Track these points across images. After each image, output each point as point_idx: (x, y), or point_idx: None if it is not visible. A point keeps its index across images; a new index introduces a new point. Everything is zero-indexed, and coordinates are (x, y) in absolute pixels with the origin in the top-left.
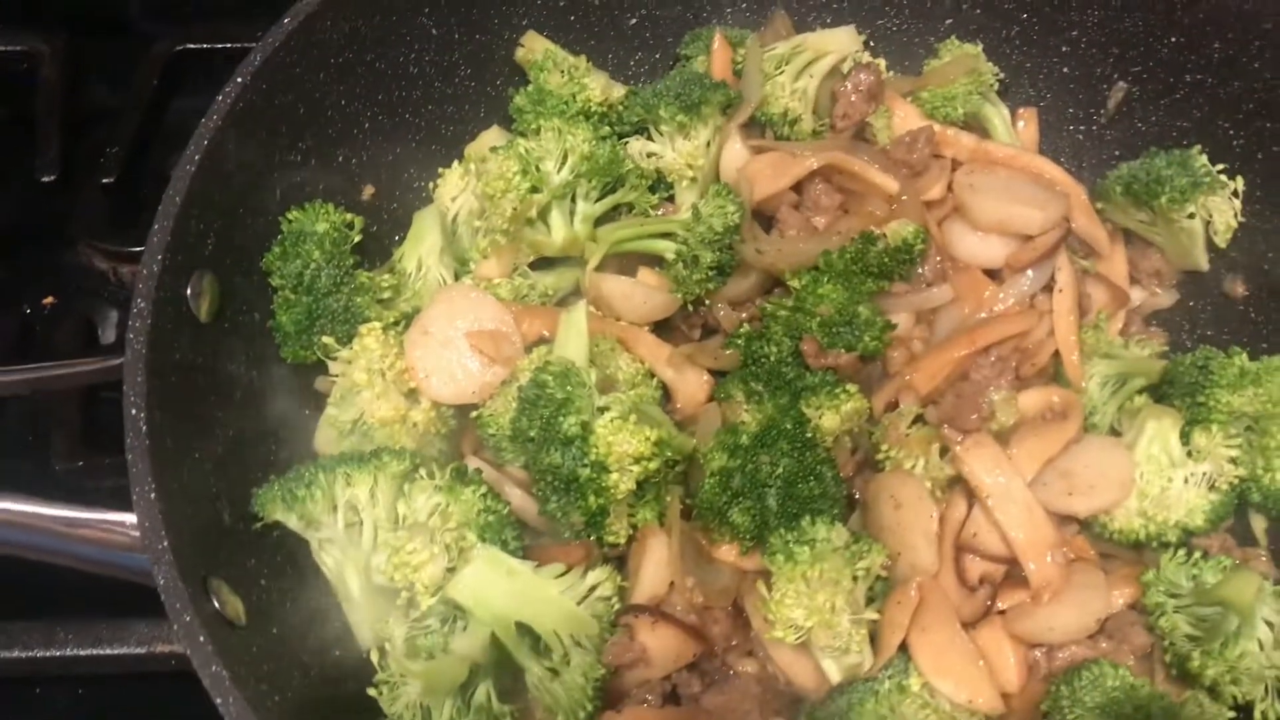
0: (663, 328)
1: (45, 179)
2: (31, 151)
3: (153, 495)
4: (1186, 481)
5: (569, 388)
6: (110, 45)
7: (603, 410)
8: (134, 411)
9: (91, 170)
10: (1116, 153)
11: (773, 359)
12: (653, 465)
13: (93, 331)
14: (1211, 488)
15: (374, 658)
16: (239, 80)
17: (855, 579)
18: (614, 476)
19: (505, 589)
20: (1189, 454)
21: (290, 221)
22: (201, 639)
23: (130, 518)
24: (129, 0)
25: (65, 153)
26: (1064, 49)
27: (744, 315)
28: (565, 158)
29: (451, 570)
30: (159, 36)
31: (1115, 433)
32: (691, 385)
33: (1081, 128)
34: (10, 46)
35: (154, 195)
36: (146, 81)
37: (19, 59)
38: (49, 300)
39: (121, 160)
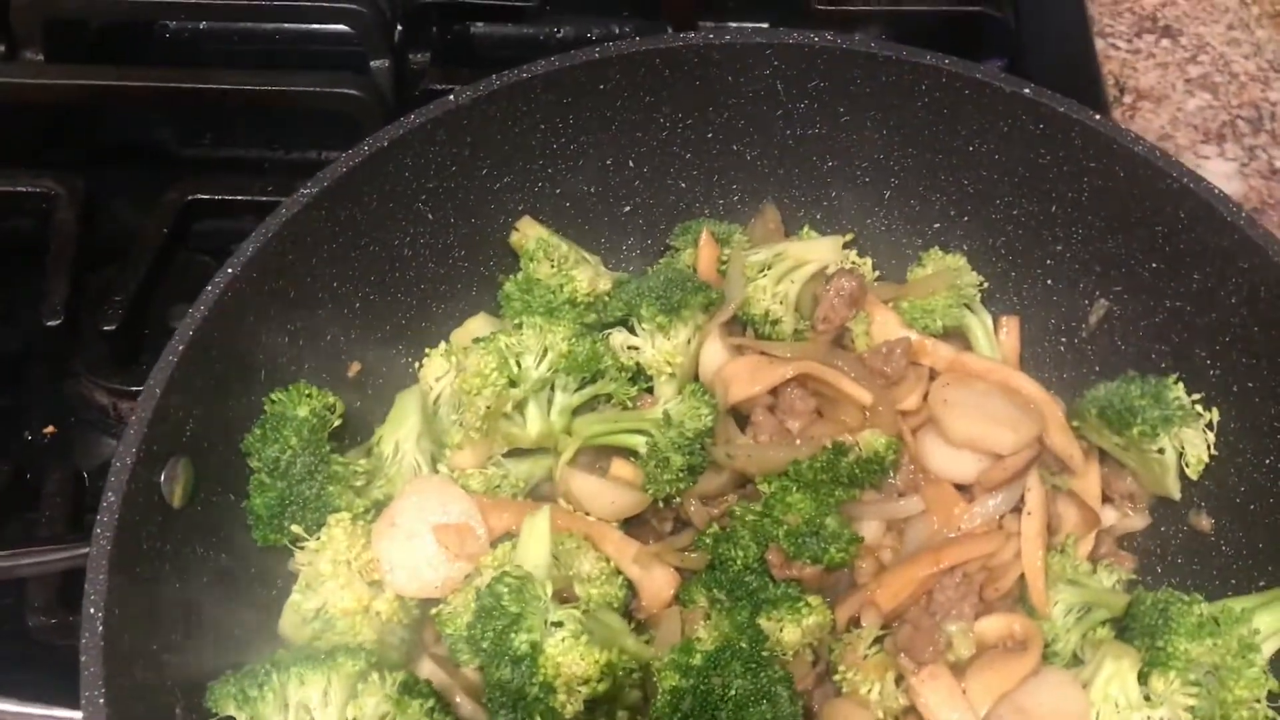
0: (634, 520)
1: (50, 323)
2: (40, 292)
3: (101, 700)
4: None
5: (523, 602)
6: (127, 182)
7: (556, 625)
8: (91, 610)
9: (95, 315)
10: (1097, 368)
11: (738, 564)
12: (601, 687)
13: (80, 484)
14: None
15: None
16: (229, 270)
17: None
18: (561, 698)
19: None
20: (1146, 697)
21: (273, 403)
22: None
23: (77, 715)
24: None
25: (71, 298)
26: (1048, 262)
27: (716, 512)
28: (545, 353)
29: None
30: (175, 177)
31: (1077, 659)
32: (657, 583)
33: (1063, 340)
34: (29, 188)
35: (155, 339)
36: (156, 231)
37: (38, 199)
38: (49, 430)
39: (124, 310)
